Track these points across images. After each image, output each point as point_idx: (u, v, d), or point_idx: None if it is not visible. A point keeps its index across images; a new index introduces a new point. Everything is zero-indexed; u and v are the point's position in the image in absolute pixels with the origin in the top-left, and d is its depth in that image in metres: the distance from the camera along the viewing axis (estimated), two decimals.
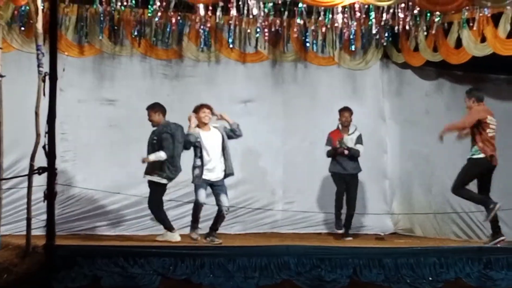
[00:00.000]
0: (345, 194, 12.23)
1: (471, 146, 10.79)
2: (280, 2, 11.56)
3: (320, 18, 12.47)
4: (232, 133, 10.88)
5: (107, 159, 12.10)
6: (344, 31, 12.70)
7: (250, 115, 12.84)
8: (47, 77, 8.40)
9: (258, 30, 12.39)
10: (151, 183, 11.04)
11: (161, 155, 10.86)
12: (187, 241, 10.59)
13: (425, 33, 12.43)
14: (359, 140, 12.23)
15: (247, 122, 12.55)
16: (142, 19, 12.10)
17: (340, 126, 12.30)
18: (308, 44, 12.93)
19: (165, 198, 11.14)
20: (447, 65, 12.59)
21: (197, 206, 10.67)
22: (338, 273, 9.25)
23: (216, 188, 10.74)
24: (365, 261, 9.40)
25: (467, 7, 11.45)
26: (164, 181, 10.99)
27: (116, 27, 12.09)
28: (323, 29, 12.75)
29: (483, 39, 11.50)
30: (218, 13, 11.88)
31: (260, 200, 12.94)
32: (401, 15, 11.89)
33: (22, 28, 11.53)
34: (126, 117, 12.18)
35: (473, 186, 10.94)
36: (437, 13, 11.91)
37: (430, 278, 9.48)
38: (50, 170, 8.20)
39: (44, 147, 8.29)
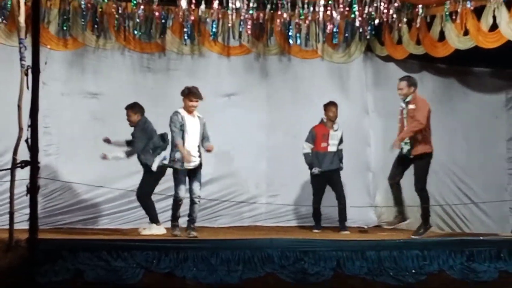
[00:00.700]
0: (333, 191, 12.24)
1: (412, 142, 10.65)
2: None
3: (304, 12, 12.47)
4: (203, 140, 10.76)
5: (91, 153, 12.00)
6: (328, 24, 12.71)
7: (234, 108, 12.85)
8: (29, 71, 8.36)
9: (241, 23, 12.39)
10: (147, 169, 10.94)
11: (118, 154, 10.86)
12: (170, 234, 10.59)
13: (408, 26, 12.45)
14: (341, 139, 12.27)
15: (231, 115, 12.59)
16: (125, 12, 12.08)
17: (325, 121, 12.29)
18: (291, 38, 12.90)
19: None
20: (430, 58, 12.62)
21: (177, 202, 10.59)
22: (321, 266, 9.28)
23: (191, 176, 10.60)
24: (349, 253, 9.43)
25: (449, 0, 11.49)
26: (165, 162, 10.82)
27: (99, 20, 12.05)
28: (307, 22, 12.75)
29: (466, 32, 11.52)
30: (202, 6, 11.86)
31: (244, 194, 12.93)
32: (384, 8, 11.91)
33: (4, 22, 11.48)
34: (110, 110, 12.10)
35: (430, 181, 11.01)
36: (420, 6, 11.93)
37: (413, 271, 9.52)
38: (33, 164, 8.17)
39: (26, 140, 8.26)
